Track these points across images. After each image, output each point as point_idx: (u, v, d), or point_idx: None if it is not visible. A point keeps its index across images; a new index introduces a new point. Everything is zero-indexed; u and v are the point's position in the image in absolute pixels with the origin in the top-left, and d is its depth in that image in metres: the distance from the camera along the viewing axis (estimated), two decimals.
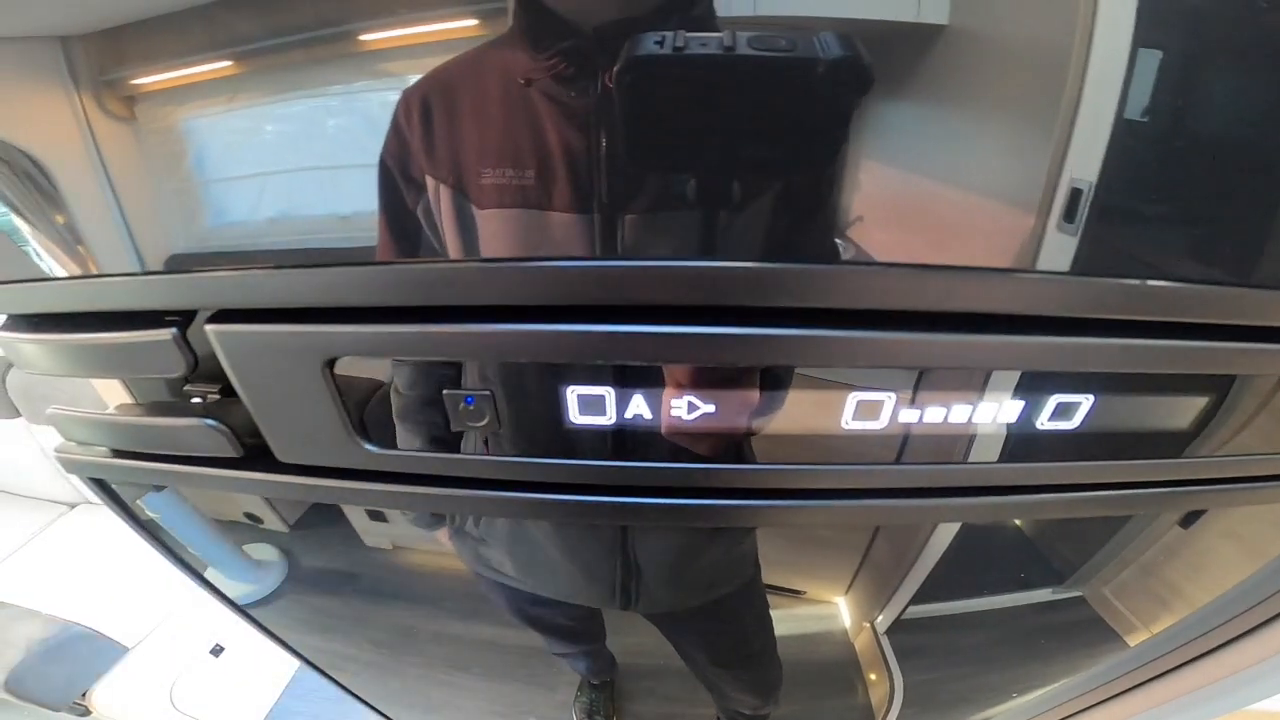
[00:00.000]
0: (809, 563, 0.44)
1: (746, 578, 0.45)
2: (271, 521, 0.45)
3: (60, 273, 0.29)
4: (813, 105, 0.21)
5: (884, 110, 0.22)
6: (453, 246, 0.25)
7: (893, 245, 0.24)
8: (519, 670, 0.59)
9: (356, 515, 0.42)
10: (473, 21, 0.22)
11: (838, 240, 0.24)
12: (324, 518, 0.43)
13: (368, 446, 0.30)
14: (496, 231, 0.25)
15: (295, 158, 0.26)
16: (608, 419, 0.28)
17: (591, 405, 0.27)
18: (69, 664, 1.54)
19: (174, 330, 0.27)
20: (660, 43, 0.20)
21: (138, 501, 0.42)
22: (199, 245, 0.28)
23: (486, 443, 0.31)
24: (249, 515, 0.45)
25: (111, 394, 0.36)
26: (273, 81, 0.25)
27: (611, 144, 0.22)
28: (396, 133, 0.24)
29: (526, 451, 0.30)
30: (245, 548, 0.49)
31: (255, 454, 0.31)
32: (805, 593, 0.47)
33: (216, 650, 1.69)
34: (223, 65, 0.25)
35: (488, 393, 0.28)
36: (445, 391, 0.28)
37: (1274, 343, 0.26)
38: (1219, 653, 0.47)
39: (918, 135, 0.23)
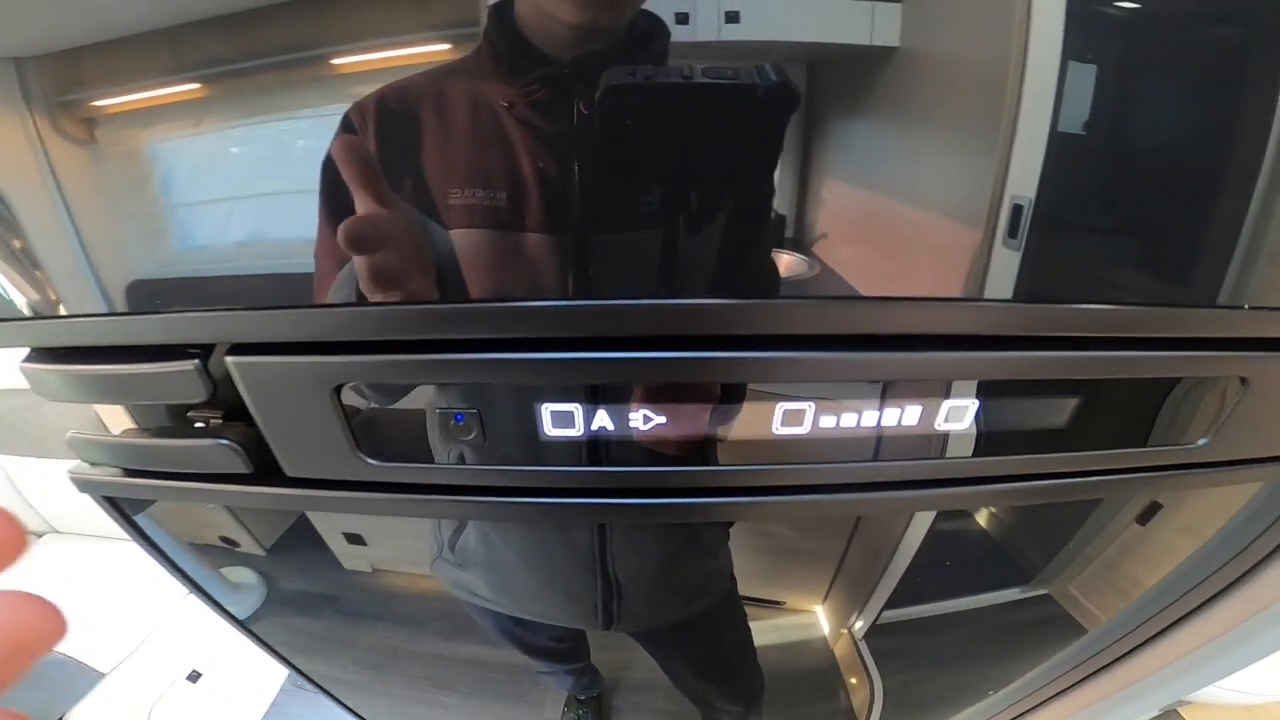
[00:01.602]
0: (787, 574, 0.44)
1: (724, 591, 0.45)
2: (248, 545, 0.44)
3: (18, 299, 0.30)
4: (754, 122, 0.24)
5: (844, 130, 0.23)
6: None
7: (854, 261, 0.25)
8: (505, 688, 0.59)
9: (334, 538, 0.42)
10: (444, 45, 0.23)
11: (804, 257, 0.25)
12: (302, 541, 0.43)
13: (369, 461, 0.32)
14: (467, 251, 0.25)
15: (265, 181, 0.26)
16: (576, 431, 0.30)
17: (562, 420, 0.30)
18: (44, 690, 1.49)
19: (197, 361, 0.30)
20: (633, 74, 0.22)
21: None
22: (162, 271, 0.28)
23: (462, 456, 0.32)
24: (224, 539, 0.44)
25: (114, 419, 0.38)
26: (242, 104, 0.25)
27: (585, 166, 0.24)
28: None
29: (508, 461, 0.32)
30: (223, 571, 0.48)
31: (263, 470, 0.34)
32: (785, 603, 0.47)
33: (194, 676, 1.65)
34: (190, 88, 0.25)
35: (475, 411, 0.30)
36: (437, 409, 0.30)
37: (1194, 350, 0.28)
38: (1171, 633, 0.48)
39: (875, 154, 0.24)
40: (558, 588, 0.44)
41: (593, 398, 0.29)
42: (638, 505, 0.33)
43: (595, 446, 0.31)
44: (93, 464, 0.38)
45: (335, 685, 0.62)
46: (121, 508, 0.41)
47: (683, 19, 0.22)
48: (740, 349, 0.27)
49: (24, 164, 0.26)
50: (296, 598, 0.51)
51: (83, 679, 1.55)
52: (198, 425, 0.34)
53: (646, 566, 0.42)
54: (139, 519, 0.42)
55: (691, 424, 0.30)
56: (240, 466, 0.33)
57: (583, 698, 0.61)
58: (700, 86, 0.23)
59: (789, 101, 0.23)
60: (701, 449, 0.31)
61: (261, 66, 0.24)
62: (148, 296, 0.28)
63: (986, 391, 0.29)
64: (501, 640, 0.51)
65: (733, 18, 0.22)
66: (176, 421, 0.35)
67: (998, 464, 0.32)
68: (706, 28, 0.22)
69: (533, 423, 0.30)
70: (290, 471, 0.34)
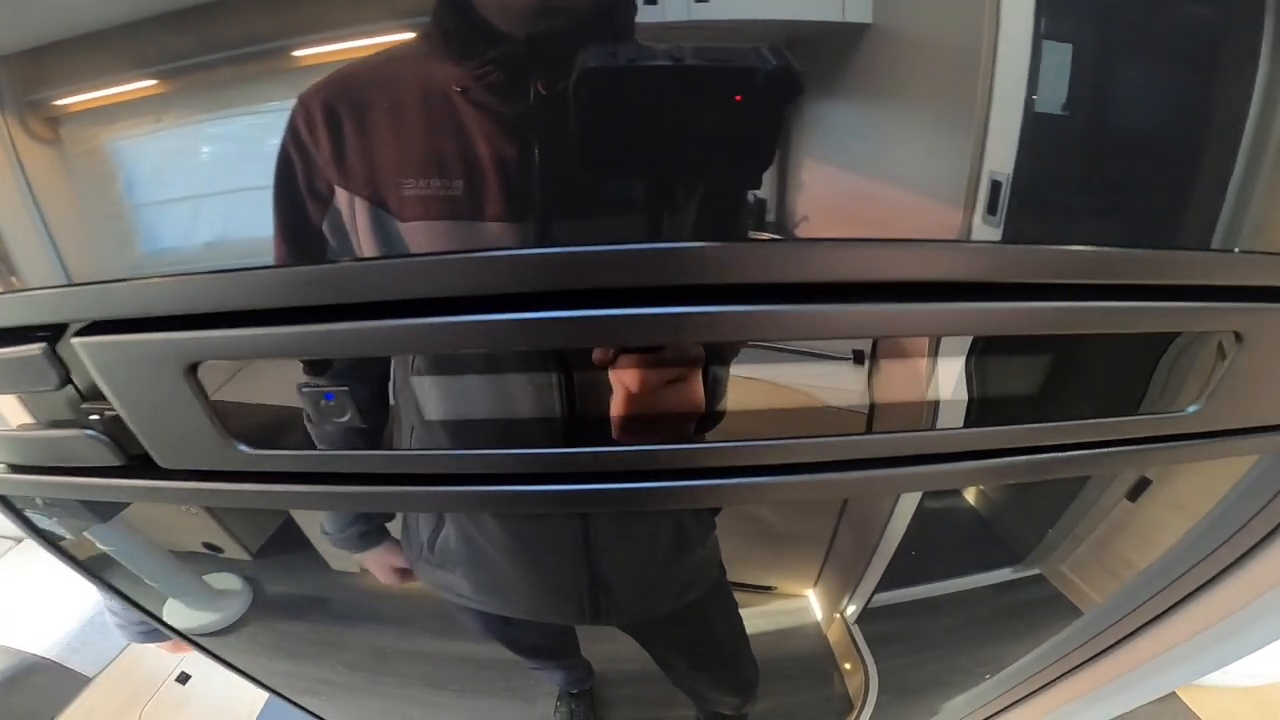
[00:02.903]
0: (776, 558, 0.44)
1: (713, 580, 0.45)
2: (233, 550, 0.44)
3: None
4: (753, 109, 0.22)
5: (823, 110, 0.23)
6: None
7: None
8: (497, 684, 0.59)
9: (321, 540, 0.41)
10: (406, 35, 0.22)
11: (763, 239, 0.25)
12: (287, 544, 0.42)
13: (242, 448, 0.30)
14: (423, 244, 0.24)
15: (230, 178, 0.25)
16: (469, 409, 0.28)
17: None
18: (30, 695, 1.49)
19: (44, 344, 0.28)
20: (614, 54, 0.21)
21: (85, 534, 0.41)
22: (133, 272, 0.27)
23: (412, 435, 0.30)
24: (208, 545, 0.44)
25: (15, 413, 0.36)
26: (203, 100, 0.24)
27: (546, 150, 0.22)
28: (296, 142, 0.23)
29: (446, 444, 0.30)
30: (206, 577, 0.48)
31: (140, 463, 0.32)
32: (775, 588, 0.47)
33: (183, 678, 1.64)
34: (149, 84, 0.24)
35: (345, 388, 0.28)
36: (302, 388, 0.28)
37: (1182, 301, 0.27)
38: (1170, 617, 0.48)
39: (853, 134, 0.23)
40: (542, 584, 0.43)
41: (456, 367, 0.27)
42: (590, 492, 0.31)
43: (529, 426, 0.29)
44: None
45: (324, 688, 0.62)
46: (18, 509, 0.39)
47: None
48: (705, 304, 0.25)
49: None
50: (284, 601, 0.51)
51: (68, 684, 1.54)
52: (93, 418, 0.31)
53: (632, 559, 0.42)
54: (96, 531, 0.41)
55: (680, 392, 0.28)
56: (111, 459, 0.31)
57: (575, 691, 0.61)
58: (692, 69, 0.21)
59: (792, 87, 0.22)
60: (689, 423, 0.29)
61: (219, 60, 0.23)
62: None
63: (971, 351, 0.28)
64: (490, 639, 0.51)
65: None
66: (74, 414, 0.32)
67: (986, 436, 0.30)
68: (675, 7, 0.21)
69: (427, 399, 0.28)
70: (163, 463, 0.32)
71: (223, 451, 0.30)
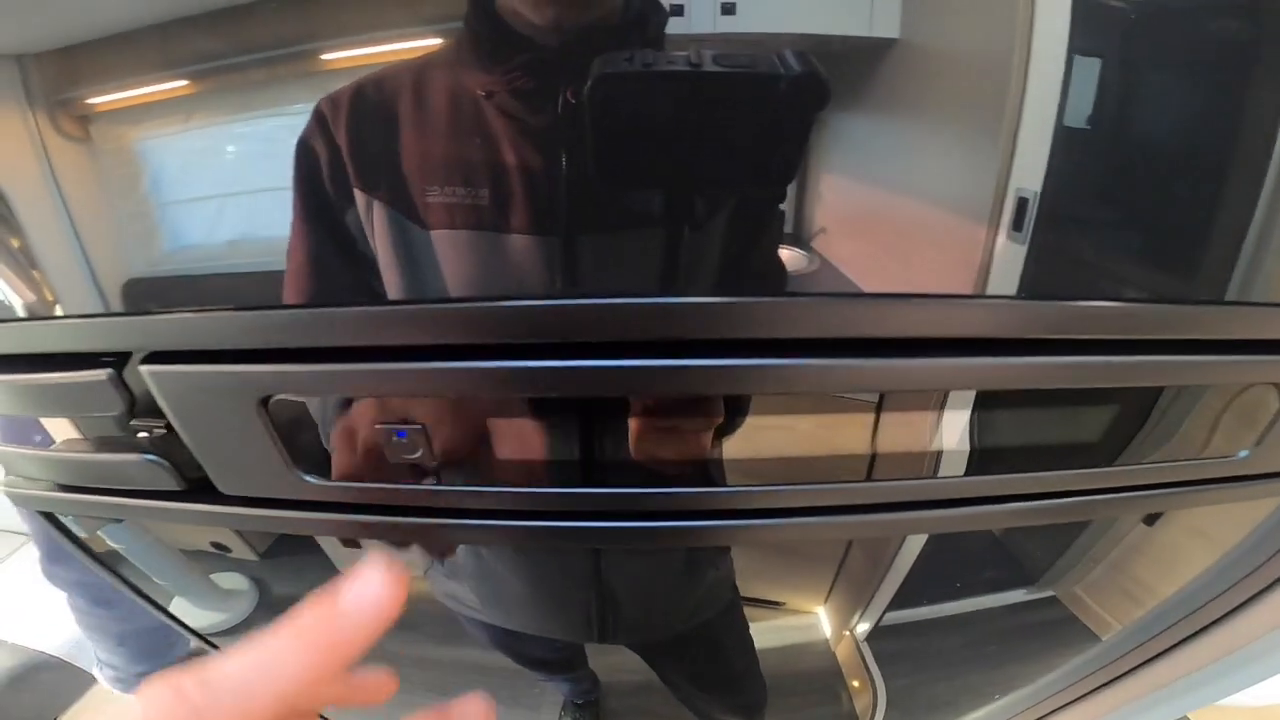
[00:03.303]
0: (787, 574, 0.44)
1: (726, 601, 0.44)
2: (240, 550, 0.44)
3: (15, 300, 0.29)
4: (776, 118, 0.22)
5: (844, 123, 0.23)
6: (388, 265, 0.24)
7: (855, 256, 0.25)
8: (501, 693, 0.58)
9: (329, 543, 0.41)
10: (434, 40, 0.22)
11: (804, 251, 0.24)
12: (295, 546, 0.42)
13: (308, 478, 0.30)
14: (448, 254, 0.24)
15: (255, 178, 0.26)
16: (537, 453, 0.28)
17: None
18: (37, 693, 1.49)
19: (110, 371, 0.27)
20: (630, 60, 0.21)
21: (98, 533, 0.41)
22: (156, 269, 0.27)
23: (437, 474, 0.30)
24: (216, 545, 0.44)
25: (61, 428, 0.35)
26: (230, 100, 0.25)
27: (574, 161, 0.22)
28: (323, 137, 0.23)
29: (490, 481, 0.30)
30: (213, 577, 0.48)
31: (199, 487, 0.31)
32: (784, 604, 0.46)
33: None
34: (178, 84, 0.24)
35: (419, 426, 0.27)
36: (376, 425, 0.27)
37: (1214, 354, 0.27)
38: (1187, 646, 0.47)
39: (876, 148, 0.23)
40: (552, 601, 0.43)
41: (544, 411, 0.27)
42: (611, 529, 0.31)
43: (557, 464, 0.29)
44: (26, 478, 0.35)
45: None
46: (61, 524, 0.39)
47: (677, 11, 0.21)
48: (724, 357, 0.25)
49: (26, 164, 0.26)
50: (291, 602, 0.50)
51: (75, 682, 1.54)
52: (140, 436, 0.31)
53: (644, 579, 0.41)
54: (109, 530, 0.40)
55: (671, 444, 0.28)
56: (171, 484, 0.31)
57: (580, 702, 0.60)
58: (711, 76, 0.21)
59: (817, 95, 0.21)
60: (703, 468, 0.29)
61: (249, 63, 0.24)
62: (142, 296, 0.28)
63: (1005, 403, 0.28)
64: (496, 651, 0.50)
65: (729, 9, 0.21)
66: (122, 431, 0.32)
67: (1021, 481, 0.30)
68: (702, 19, 0.21)
69: (485, 440, 0.28)
70: (224, 489, 0.31)
71: (288, 481, 0.30)
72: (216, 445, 0.29)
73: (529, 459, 0.29)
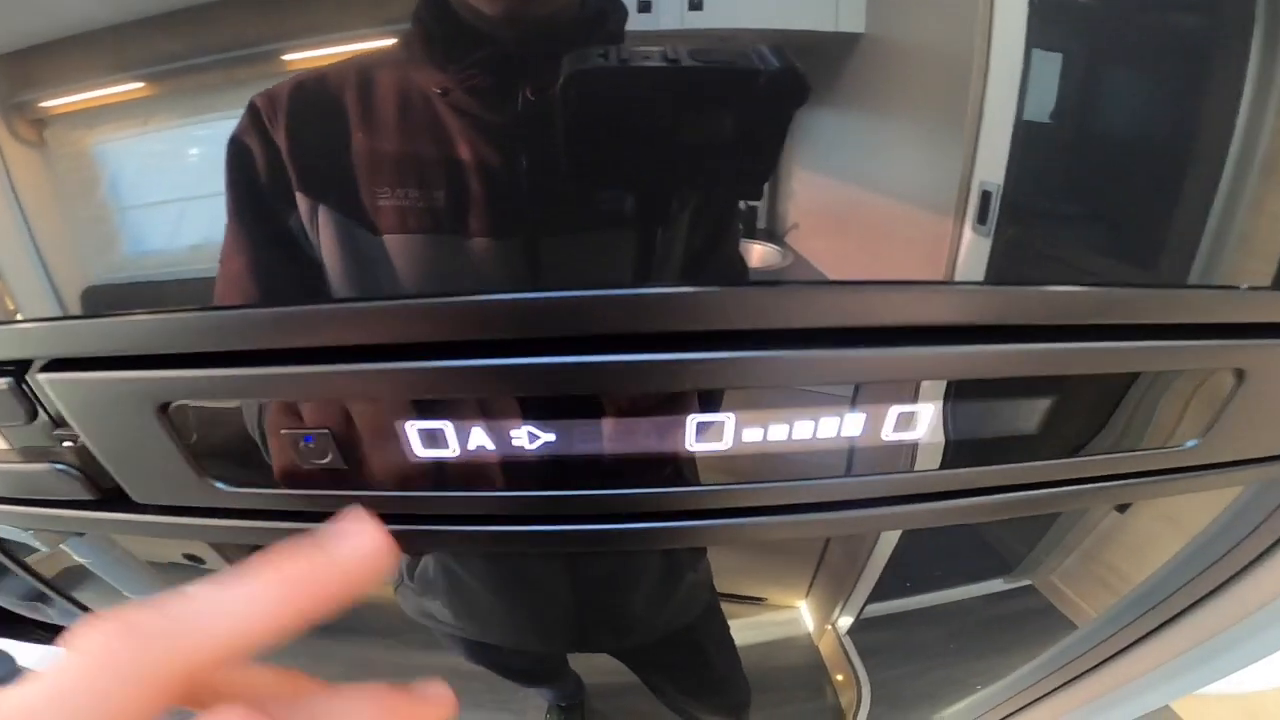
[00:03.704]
0: (766, 569, 0.44)
1: (704, 604, 0.44)
2: (214, 562, 0.43)
3: None
4: (754, 115, 0.22)
5: (813, 119, 0.23)
6: (337, 273, 0.24)
7: (827, 251, 0.25)
8: (485, 698, 0.58)
9: None
10: (380, 43, 0.22)
11: (776, 247, 0.24)
12: None
13: (220, 485, 0.29)
14: (402, 259, 0.23)
15: (216, 182, 0.25)
16: (449, 451, 0.27)
17: (434, 440, 0.27)
18: None
19: (9, 380, 0.27)
20: (605, 56, 0.20)
21: (61, 547, 0.40)
22: (116, 275, 0.27)
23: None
24: (189, 556, 0.43)
25: None
26: (188, 103, 0.24)
27: (535, 161, 0.22)
28: (259, 136, 0.22)
29: (409, 484, 0.29)
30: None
31: (114, 496, 0.31)
32: (765, 599, 0.47)
33: None
34: (134, 86, 0.24)
35: (325, 431, 0.27)
36: (282, 431, 0.27)
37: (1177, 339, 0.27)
38: (1164, 632, 0.48)
39: (845, 143, 0.23)
40: (526, 614, 0.42)
41: (463, 412, 0.26)
42: (566, 532, 0.30)
43: (475, 468, 0.27)
44: None
45: None
46: (6, 547, 0.38)
47: (645, 7, 0.20)
48: (681, 350, 0.24)
49: None
50: None
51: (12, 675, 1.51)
52: (66, 445, 0.30)
53: (620, 586, 0.40)
54: (71, 544, 0.39)
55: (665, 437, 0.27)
56: (83, 493, 0.30)
57: (565, 704, 0.60)
58: (687, 72, 0.21)
59: (796, 91, 0.21)
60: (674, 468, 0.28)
61: (206, 64, 0.23)
62: (101, 303, 0.27)
63: (959, 394, 0.27)
64: (476, 664, 0.49)
65: (696, 4, 0.21)
66: (47, 441, 0.31)
67: (977, 475, 0.30)
68: (669, 15, 0.21)
69: (396, 442, 0.27)
70: (137, 498, 0.31)
71: (199, 489, 0.29)
72: (123, 454, 0.29)
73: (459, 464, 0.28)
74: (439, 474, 0.28)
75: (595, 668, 0.54)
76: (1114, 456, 0.30)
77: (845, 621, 0.48)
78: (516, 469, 0.28)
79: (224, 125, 0.24)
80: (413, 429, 0.26)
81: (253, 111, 0.22)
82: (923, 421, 0.28)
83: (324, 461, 0.27)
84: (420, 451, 0.27)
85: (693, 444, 0.27)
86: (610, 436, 0.26)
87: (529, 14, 0.21)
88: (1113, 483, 0.31)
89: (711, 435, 0.27)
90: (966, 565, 0.44)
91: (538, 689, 0.57)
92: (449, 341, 0.24)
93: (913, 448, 0.29)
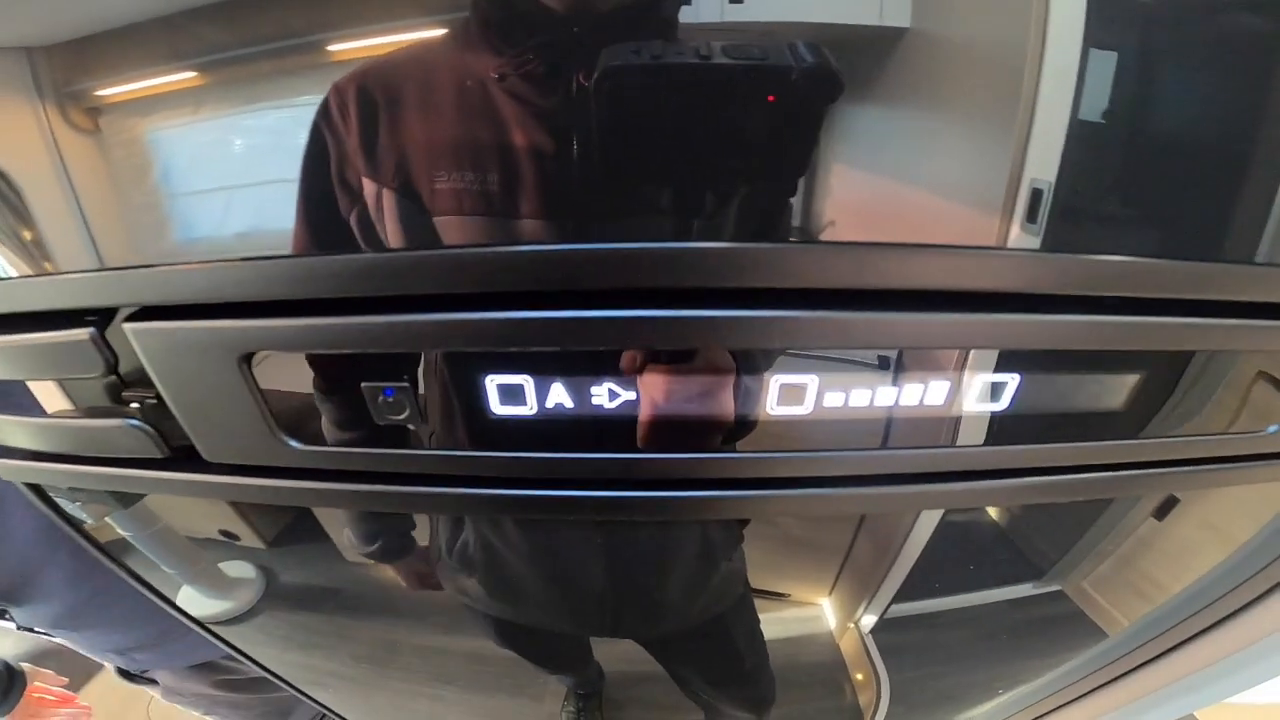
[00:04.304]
0: (792, 565, 0.44)
1: (737, 595, 0.44)
2: (249, 538, 0.44)
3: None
4: (787, 112, 0.22)
5: (853, 114, 0.22)
6: None
7: None
8: (504, 681, 0.59)
9: (336, 530, 0.42)
10: (443, 30, 0.22)
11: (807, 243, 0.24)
12: (303, 534, 0.43)
13: (292, 444, 0.29)
14: (455, 240, 0.23)
15: (264, 170, 0.26)
16: (529, 409, 0.27)
17: (512, 395, 0.27)
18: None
19: (91, 330, 0.27)
20: (637, 51, 0.21)
21: (106, 520, 0.41)
22: (159, 259, 0.28)
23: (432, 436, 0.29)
24: (224, 532, 0.44)
25: (54, 401, 0.35)
26: (239, 92, 0.25)
27: (585, 148, 0.22)
28: (330, 130, 0.23)
29: (470, 445, 0.29)
30: (221, 565, 0.48)
31: (182, 455, 0.31)
32: (789, 595, 0.46)
33: None
34: (187, 76, 0.24)
35: (406, 384, 0.27)
36: (363, 384, 0.27)
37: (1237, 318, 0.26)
38: (1196, 642, 0.47)
39: (886, 139, 0.23)
40: (562, 594, 0.42)
41: (543, 369, 0.26)
42: (616, 498, 0.30)
43: (560, 429, 0.27)
44: (10, 448, 0.35)
45: (332, 680, 0.62)
46: (48, 496, 0.38)
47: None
48: (737, 307, 0.24)
49: (37, 156, 0.26)
50: (296, 591, 0.51)
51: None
52: (133, 405, 0.30)
53: (657, 570, 0.40)
54: (117, 517, 0.40)
55: (708, 401, 0.27)
56: (154, 450, 0.30)
57: (583, 692, 0.60)
58: (719, 68, 0.21)
59: (829, 87, 0.21)
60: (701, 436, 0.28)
61: (257, 54, 0.23)
62: None
63: (1031, 366, 0.26)
64: (502, 647, 0.50)
65: None
66: (114, 400, 0.32)
67: (1045, 453, 0.29)
68: (709, 9, 0.21)
69: (477, 398, 0.27)
70: (208, 456, 0.31)
71: (271, 446, 0.29)
72: (200, 407, 0.29)
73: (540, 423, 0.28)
74: (514, 433, 0.28)
75: (617, 656, 0.55)
76: (1195, 439, 0.30)
77: (869, 620, 0.47)
78: (588, 429, 0.28)
79: (272, 115, 0.25)
80: (492, 384, 0.26)
81: (325, 104, 0.22)
82: (1008, 392, 0.27)
83: (401, 416, 0.27)
84: (498, 409, 0.27)
85: (773, 407, 0.27)
86: (695, 396, 0.26)
87: (594, 7, 0.21)
88: (1188, 468, 0.31)
89: (792, 398, 0.27)
90: (995, 568, 0.44)
91: (559, 676, 0.58)
92: (529, 294, 0.24)
93: (956, 423, 0.28)
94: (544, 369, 0.26)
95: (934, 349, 0.26)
